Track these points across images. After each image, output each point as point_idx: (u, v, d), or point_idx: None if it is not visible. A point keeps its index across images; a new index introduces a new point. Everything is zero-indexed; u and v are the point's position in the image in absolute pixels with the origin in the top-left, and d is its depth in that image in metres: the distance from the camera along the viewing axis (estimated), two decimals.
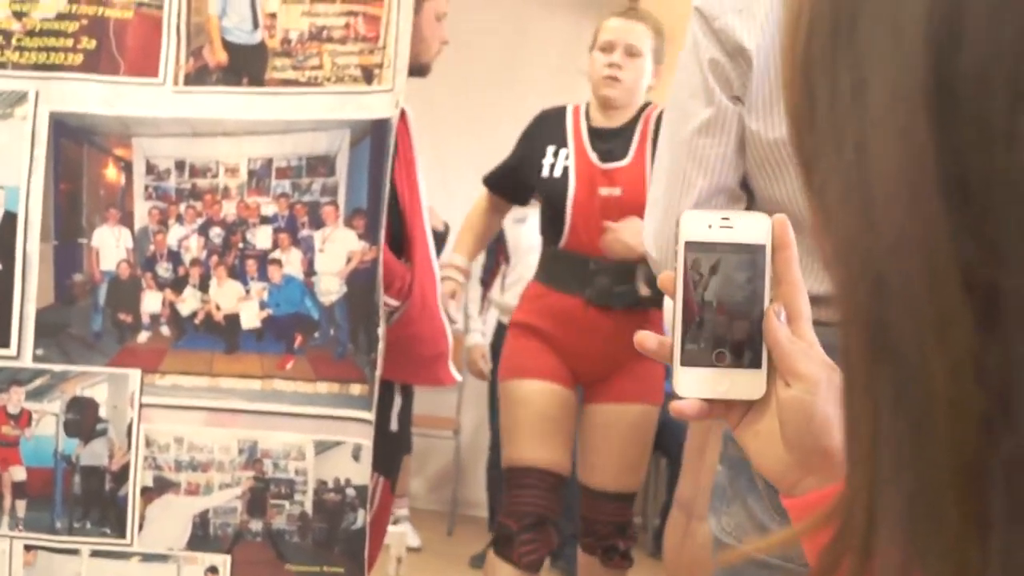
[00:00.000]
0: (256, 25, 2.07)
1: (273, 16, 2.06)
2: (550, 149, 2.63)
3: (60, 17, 2.12)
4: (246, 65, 2.06)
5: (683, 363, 0.73)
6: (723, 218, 0.73)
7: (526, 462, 2.55)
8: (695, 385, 0.73)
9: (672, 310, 0.73)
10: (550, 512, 2.55)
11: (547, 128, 2.68)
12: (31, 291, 2.08)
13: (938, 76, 0.37)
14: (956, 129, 0.37)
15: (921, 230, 0.38)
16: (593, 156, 2.58)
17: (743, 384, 0.72)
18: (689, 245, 0.72)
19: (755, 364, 0.72)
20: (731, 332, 0.72)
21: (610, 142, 2.59)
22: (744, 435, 0.73)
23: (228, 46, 2.07)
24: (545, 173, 2.61)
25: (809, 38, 0.44)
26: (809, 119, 0.44)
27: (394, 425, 2.21)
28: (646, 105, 2.66)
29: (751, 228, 0.72)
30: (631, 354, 2.41)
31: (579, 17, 5.04)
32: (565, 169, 2.58)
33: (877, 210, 0.39)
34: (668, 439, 4.49)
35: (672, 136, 1.30)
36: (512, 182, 2.78)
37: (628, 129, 2.61)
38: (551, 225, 2.64)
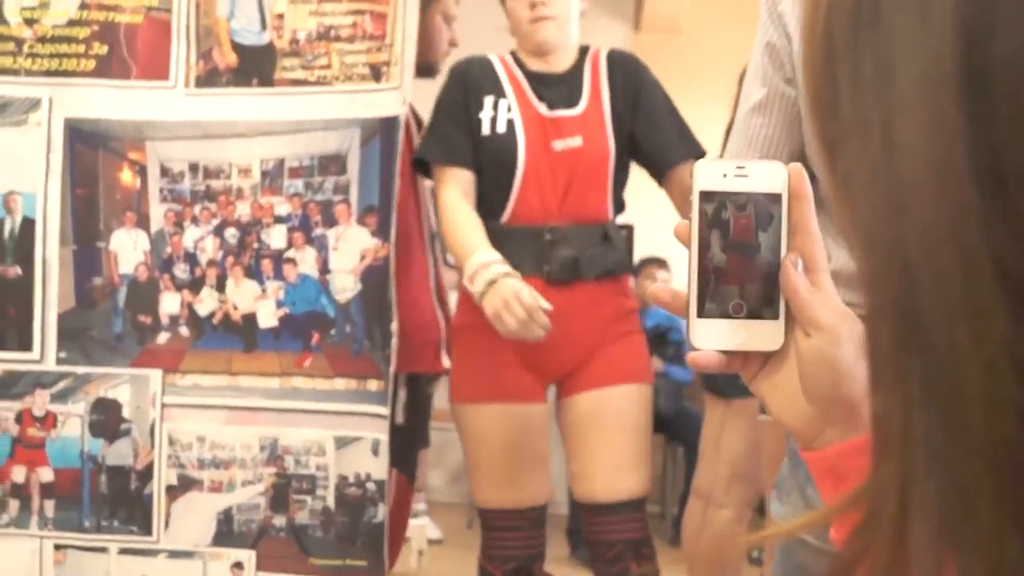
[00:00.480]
0: (264, 26, 2.09)
1: (281, 17, 2.08)
2: (488, 100, 2.13)
3: (71, 23, 2.15)
4: (255, 66, 2.08)
5: (699, 315, 0.70)
6: (738, 167, 0.70)
7: (499, 504, 2.13)
8: (712, 337, 0.70)
9: (687, 261, 0.71)
10: (534, 548, 2.16)
11: (476, 76, 2.16)
12: (52, 295, 2.11)
13: (970, 64, 0.36)
14: (989, 118, 0.36)
15: (952, 219, 0.36)
16: (539, 105, 2.13)
17: (761, 335, 0.70)
18: (704, 195, 0.70)
19: (772, 315, 0.70)
20: (748, 283, 0.70)
21: (555, 88, 2.15)
22: (762, 387, 0.72)
23: (237, 47, 2.10)
24: (486, 130, 2.10)
25: (829, 20, 0.42)
26: (831, 104, 0.43)
27: (400, 418, 2.16)
28: (585, 49, 2.23)
29: (767, 177, 0.70)
30: (608, 332, 2.12)
31: (590, 20, 5.04)
32: (510, 123, 2.10)
33: (906, 198, 0.38)
34: (685, 427, 4.50)
35: (737, 114, 1.37)
36: (471, 144, 2.14)
37: (574, 73, 2.18)
38: (492, 194, 2.12)
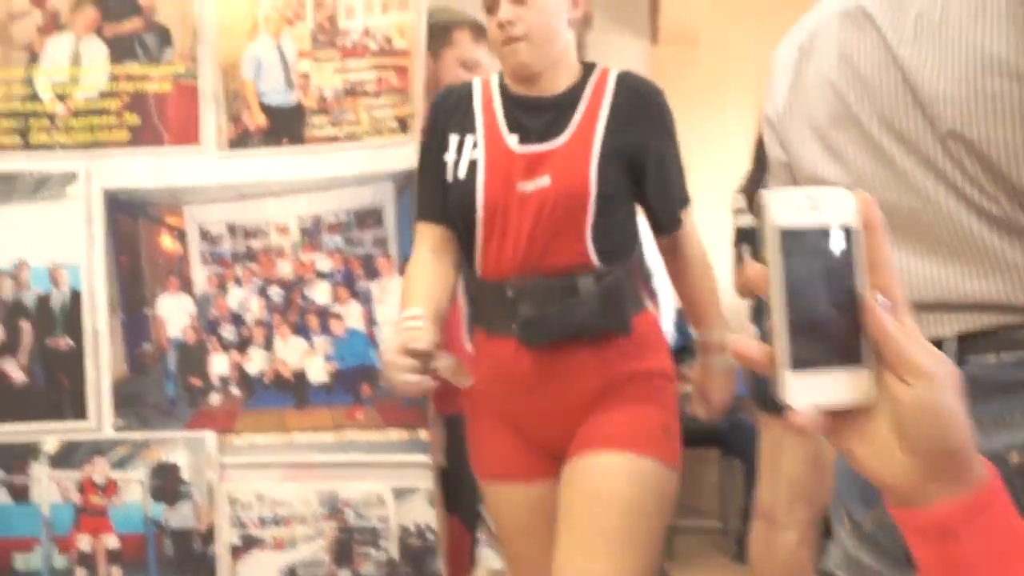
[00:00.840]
0: (291, 86, 2.11)
1: (306, 76, 2.10)
2: (453, 140, 1.84)
3: (102, 96, 2.19)
4: (285, 125, 2.11)
5: (790, 368, 0.62)
6: (808, 197, 0.63)
7: None
8: (808, 393, 0.63)
9: (769, 309, 0.63)
10: None
11: (447, 111, 1.88)
12: (104, 364, 2.15)
13: None
14: None
15: None
16: (510, 139, 1.81)
17: (855, 386, 0.63)
18: (782, 233, 0.63)
19: (862, 362, 0.63)
20: (836, 328, 0.63)
21: (540, 116, 1.82)
22: (849, 442, 0.64)
23: (266, 108, 2.12)
24: (449, 175, 1.83)
25: None
26: None
27: (441, 459, 2.07)
28: (591, 66, 1.88)
29: (837, 206, 0.64)
30: (602, 401, 1.78)
31: (605, 35, 5.01)
32: (472, 164, 1.81)
33: None
34: (739, 439, 4.44)
35: None
36: (441, 192, 1.87)
37: (568, 98, 1.83)
38: (464, 246, 1.86)
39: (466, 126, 1.85)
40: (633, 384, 1.78)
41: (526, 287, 1.77)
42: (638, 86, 1.86)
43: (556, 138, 1.80)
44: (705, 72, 4.89)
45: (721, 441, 4.58)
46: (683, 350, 4.46)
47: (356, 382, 2.05)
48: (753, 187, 2.53)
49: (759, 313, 2.54)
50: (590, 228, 1.76)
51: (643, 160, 1.80)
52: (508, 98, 1.86)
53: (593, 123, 1.80)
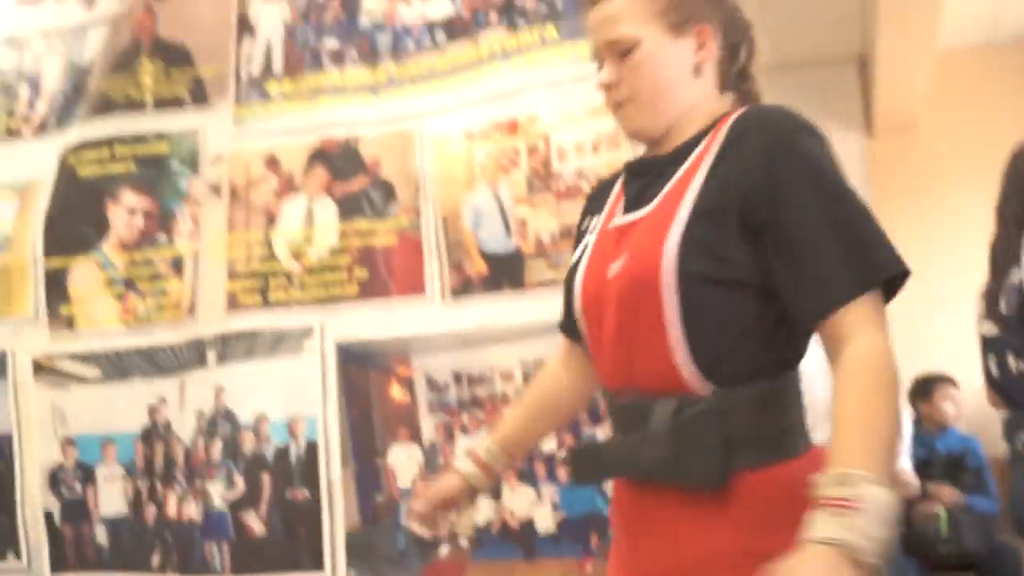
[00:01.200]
0: (509, 232, 2.13)
1: (524, 222, 2.11)
2: (587, 223, 1.48)
3: (333, 252, 2.28)
4: (505, 271, 2.12)
5: None
6: None
7: None
8: None
9: None
10: None
11: (591, 200, 1.52)
12: (338, 515, 2.18)
13: None
14: None
15: None
16: (619, 212, 1.40)
17: None
18: None
19: None
20: None
21: (648, 175, 1.38)
22: None
23: (486, 256, 2.15)
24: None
25: None
26: None
27: None
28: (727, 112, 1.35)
29: None
30: (721, 565, 1.19)
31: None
32: (584, 248, 1.42)
33: None
34: (1001, 566, 4.05)
35: None
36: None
37: (677, 154, 1.34)
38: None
39: (598, 208, 1.46)
40: (723, 566, 1.19)
41: (615, 405, 1.34)
42: (755, 119, 1.29)
43: (647, 205, 1.33)
44: (926, 161, 4.61)
45: (980, 567, 4.17)
46: (926, 464, 4.13)
47: (585, 532, 1.98)
48: (992, 295, 2.29)
49: (1014, 428, 2.29)
50: (678, 327, 1.23)
51: (758, 221, 1.21)
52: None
53: (687, 182, 1.29)
